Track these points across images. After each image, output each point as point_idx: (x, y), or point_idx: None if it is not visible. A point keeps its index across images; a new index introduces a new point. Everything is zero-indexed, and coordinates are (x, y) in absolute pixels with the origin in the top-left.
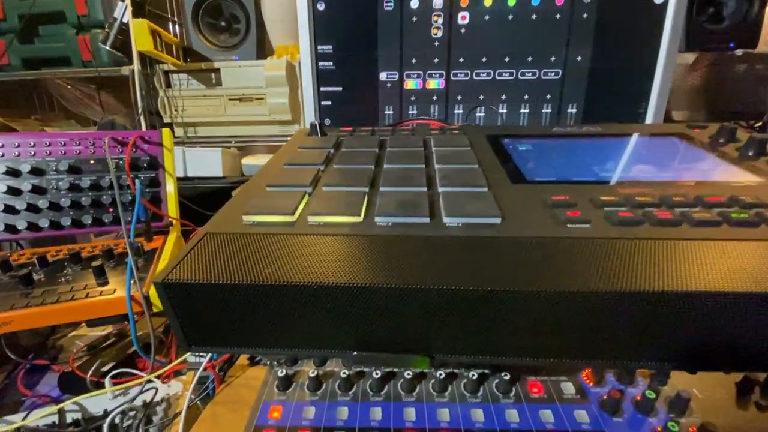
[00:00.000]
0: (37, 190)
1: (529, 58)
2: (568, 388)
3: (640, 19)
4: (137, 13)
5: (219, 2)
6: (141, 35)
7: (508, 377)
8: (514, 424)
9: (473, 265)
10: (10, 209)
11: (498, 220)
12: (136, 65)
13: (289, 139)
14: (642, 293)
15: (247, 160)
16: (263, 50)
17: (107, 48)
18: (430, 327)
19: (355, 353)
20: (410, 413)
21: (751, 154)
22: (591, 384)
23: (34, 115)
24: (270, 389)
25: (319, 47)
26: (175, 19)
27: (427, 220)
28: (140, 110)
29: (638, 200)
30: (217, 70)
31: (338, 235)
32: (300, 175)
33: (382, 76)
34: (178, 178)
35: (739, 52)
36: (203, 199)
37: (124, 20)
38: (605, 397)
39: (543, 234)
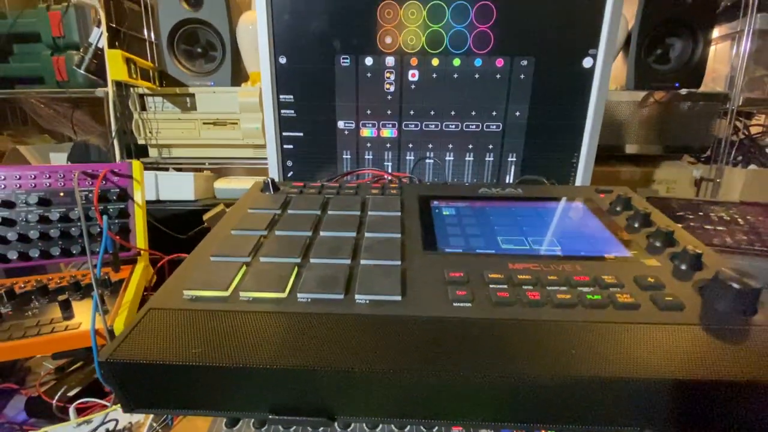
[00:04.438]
0: (6, 222)
1: (473, 112)
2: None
3: (571, 80)
4: (113, 38)
5: (195, 29)
6: (115, 65)
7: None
8: None
9: (373, 345)
10: None
11: (398, 298)
12: (110, 91)
13: (264, 159)
14: (491, 377)
15: (219, 184)
16: (238, 76)
17: (82, 72)
18: (332, 397)
19: (270, 416)
20: None
21: (636, 225)
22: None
23: (7, 131)
24: (219, 426)
25: (280, 96)
26: (152, 40)
27: (341, 296)
28: (113, 135)
29: (519, 278)
30: (192, 95)
31: (263, 312)
32: (242, 244)
33: (340, 124)
34: (151, 202)
35: (683, 91)
36: (175, 222)
37: (99, 45)
38: None
39: (432, 313)
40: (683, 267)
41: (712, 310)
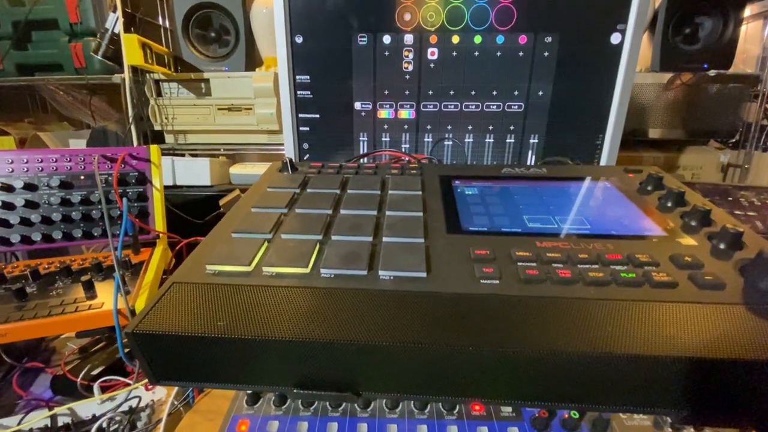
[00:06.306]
0: (29, 204)
1: (494, 92)
2: (506, 407)
3: (598, 58)
4: (128, 23)
5: (209, 14)
6: (131, 49)
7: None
8: None
9: (397, 320)
10: (4, 223)
11: (423, 275)
12: (127, 77)
13: (279, 145)
14: (520, 353)
15: (234, 169)
16: (252, 61)
17: (99, 57)
18: (356, 372)
19: (294, 390)
20: (362, 428)
21: (669, 205)
22: None
23: (27, 118)
24: (240, 404)
25: (297, 77)
26: (167, 26)
27: (364, 272)
28: (131, 120)
29: (548, 256)
30: (207, 80)
31: (286, 287)
32: (263, 222)
33: (357, 105)
34: (168, 187)
35: (712, 72)
36: (192, 207)
37: (116, 31)
38: (536, 416)
39: (458, 290)
40: (722, 246)
41: (755, 289)
